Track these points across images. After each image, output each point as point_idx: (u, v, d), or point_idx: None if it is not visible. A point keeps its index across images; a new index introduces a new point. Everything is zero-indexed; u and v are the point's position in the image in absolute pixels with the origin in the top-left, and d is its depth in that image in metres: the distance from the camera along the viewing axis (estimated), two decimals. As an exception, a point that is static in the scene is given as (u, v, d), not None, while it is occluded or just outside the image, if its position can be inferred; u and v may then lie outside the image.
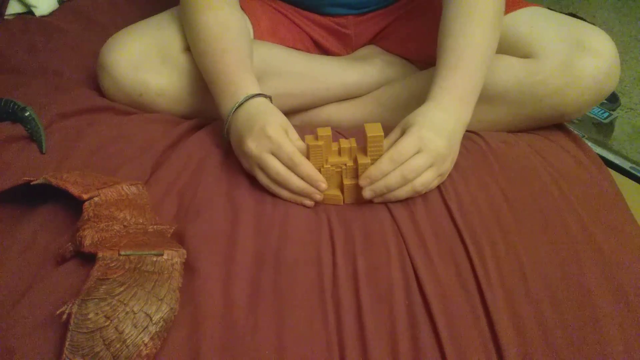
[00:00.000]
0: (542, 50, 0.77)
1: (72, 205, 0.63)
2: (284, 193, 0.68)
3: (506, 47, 0.80)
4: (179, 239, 0.62)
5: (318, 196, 0.67)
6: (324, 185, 0.67)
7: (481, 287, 0.59)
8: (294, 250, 0.62)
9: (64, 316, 0.49)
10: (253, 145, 0.67)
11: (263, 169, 0.67)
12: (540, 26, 0.79)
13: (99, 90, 0.84)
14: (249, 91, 0.71)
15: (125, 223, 0.60)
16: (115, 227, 0.59)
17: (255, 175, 0.69)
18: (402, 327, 0.55)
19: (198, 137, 0.78)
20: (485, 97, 0.77)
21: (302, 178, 0.67)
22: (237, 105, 0.70)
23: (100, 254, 0.54)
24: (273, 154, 0.66)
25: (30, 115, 0.73)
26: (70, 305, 0.50)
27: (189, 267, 0.58)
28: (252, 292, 0.57)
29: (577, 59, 0.75)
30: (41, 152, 0.72)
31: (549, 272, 0.61)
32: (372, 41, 0.98)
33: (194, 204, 0.66)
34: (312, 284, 0.59)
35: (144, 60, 0.79)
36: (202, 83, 0.78)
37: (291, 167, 0.66)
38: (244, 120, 0.69)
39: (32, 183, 0.62)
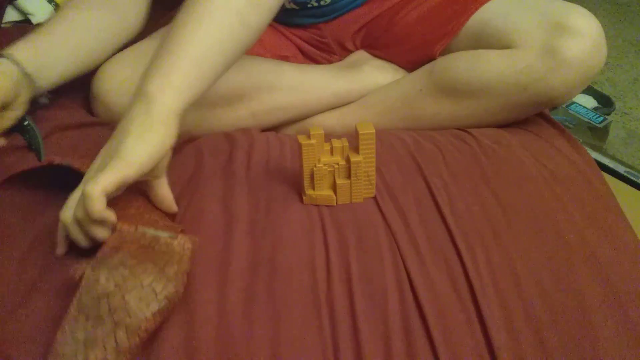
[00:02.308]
0: (520, 39, 0.76)
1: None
2: None
3: (485, 41, 0.80)
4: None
5: None
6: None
7: (474, 291, 0.59)
8: (288, 256, 0.62)
9: (77, 275, 0.50)
10: None
11: None
12: (515, 14, 0.78)
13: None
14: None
15: (140, 210, 0.61)
16: (131, 211, 0.59)
17: None
18: (396, 331, 0.56)
19: (192, 146, 0.78)
20: (469, 93, 0.77)
21: None
22: None
23: (119, 226, 0.55)
24: None
25: (29, 124, 0.73)
26: (84, 265, 0.51)
27: (184, 274, 0.58)
28: (247, 298, 0.57)
29: (558, 42, 0.73)
30: (39, 160, 0.72)
31: (543, 276, 0.61)
32: (359, 46, 0.99)
33: (189, 211, 0.67)
34: (306, 289, 0.59)
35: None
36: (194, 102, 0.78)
37: None
38: None
39: (55, 163, 0.63)
